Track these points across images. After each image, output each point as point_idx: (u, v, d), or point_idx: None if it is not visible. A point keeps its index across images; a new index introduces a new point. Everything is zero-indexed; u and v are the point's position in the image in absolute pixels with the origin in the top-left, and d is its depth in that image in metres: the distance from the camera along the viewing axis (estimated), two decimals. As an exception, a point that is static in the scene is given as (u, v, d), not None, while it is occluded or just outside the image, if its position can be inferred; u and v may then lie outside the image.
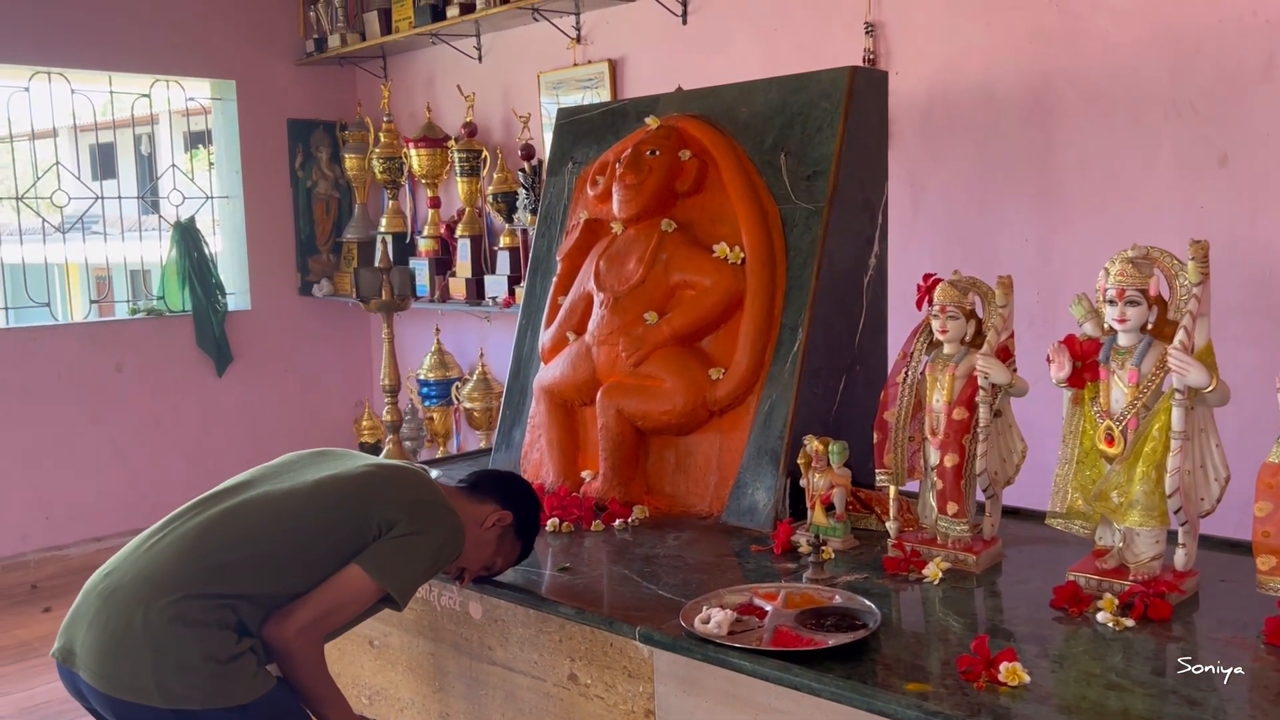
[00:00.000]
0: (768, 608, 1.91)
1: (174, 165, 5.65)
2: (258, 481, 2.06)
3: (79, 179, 5.93)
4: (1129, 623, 1.83)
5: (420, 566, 2.00)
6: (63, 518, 5.17)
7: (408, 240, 5.50)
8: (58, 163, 5.30)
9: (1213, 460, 1.91)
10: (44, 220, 5.23)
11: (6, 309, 5.27)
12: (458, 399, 5.07)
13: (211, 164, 5.82)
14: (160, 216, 5.61)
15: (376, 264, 3.17)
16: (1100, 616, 1.86)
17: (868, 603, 1.91)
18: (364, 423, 5.57)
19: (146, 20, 5.29)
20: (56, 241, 5.33)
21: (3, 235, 6.40)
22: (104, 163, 11.44)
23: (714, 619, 1.85)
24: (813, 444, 2.37)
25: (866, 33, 3.66)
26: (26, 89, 5.14)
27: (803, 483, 2.40)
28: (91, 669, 1.85)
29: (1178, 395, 1.85)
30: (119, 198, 5.68)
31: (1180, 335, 1.85)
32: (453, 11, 4.82)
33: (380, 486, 2.03)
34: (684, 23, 4.28)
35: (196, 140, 5.96)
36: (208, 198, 5.75)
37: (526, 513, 2.22)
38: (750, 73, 3.19)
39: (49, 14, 5.00)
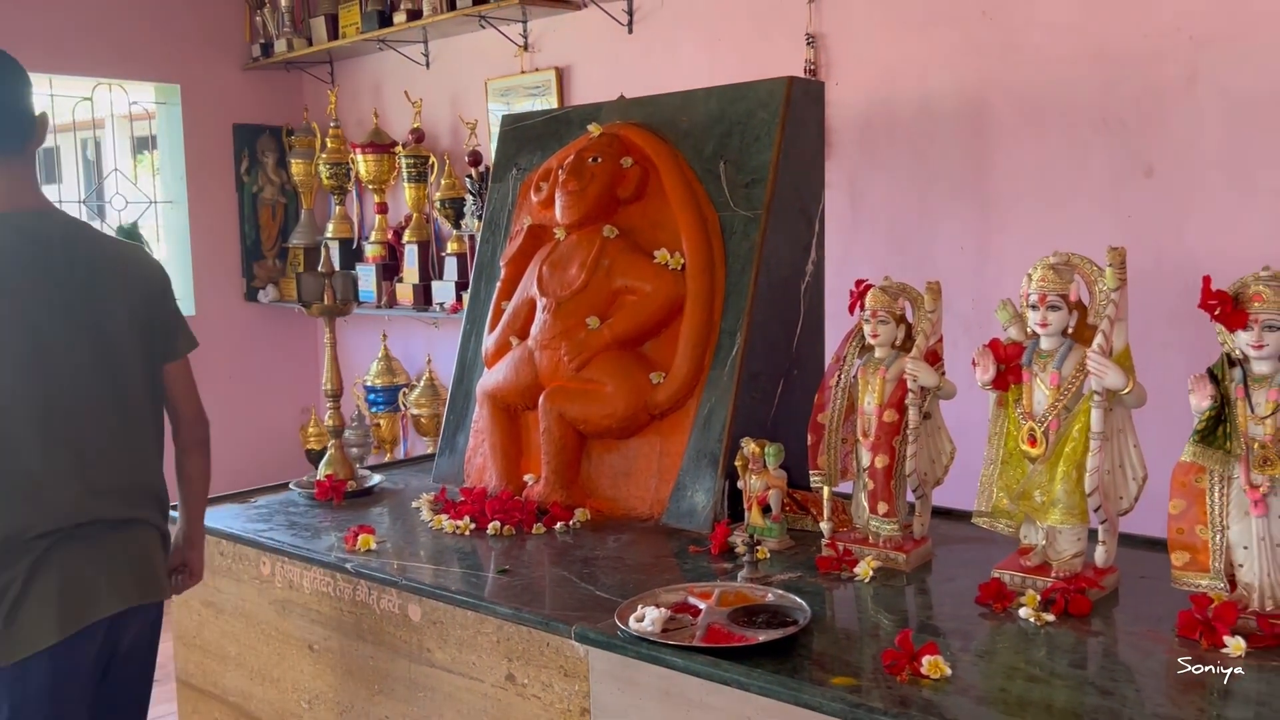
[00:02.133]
0: (702, 606, 1.95)
1: (116, 169, 5.59)
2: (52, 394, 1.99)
3: None
4: (1050, 618, 1.89)
5: (173, 303, 2.22)
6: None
7: (354, 246, 5.49)
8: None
9: (1131, 460, 1.98)
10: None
11: (-57, 314, 5.17)
12: (405, 405, 5.06)
13: (156, 170, 5.77)
14: (104, 222, 5.55)
15: (320, 269, 3.17)
16: (1023, 612, 1.91)
17: (799, 600, 1.95)
18: (310, 429, 5.54)
19: (89, 23, 5.23)
20: (-5, 246, 5.25)
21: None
22: (47, 167, 11.26)
23: (649, 617, 1.88)
24: (750, 446, 2.41)
25: (808, 44, 3.72)
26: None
27: (740, 484, 2.44)
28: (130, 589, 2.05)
29: (1096, 397, 1.92)
30: (60, 202, 5.60)
31: (1099, 339, 1.92)
32: (400, 18, 4.82)
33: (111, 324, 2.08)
34: (630, 32, 4.32)
35: (143, 145, 5.90)
36: (151, 202, 5.69)
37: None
38: (695, 82, 3.23)
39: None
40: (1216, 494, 1.81)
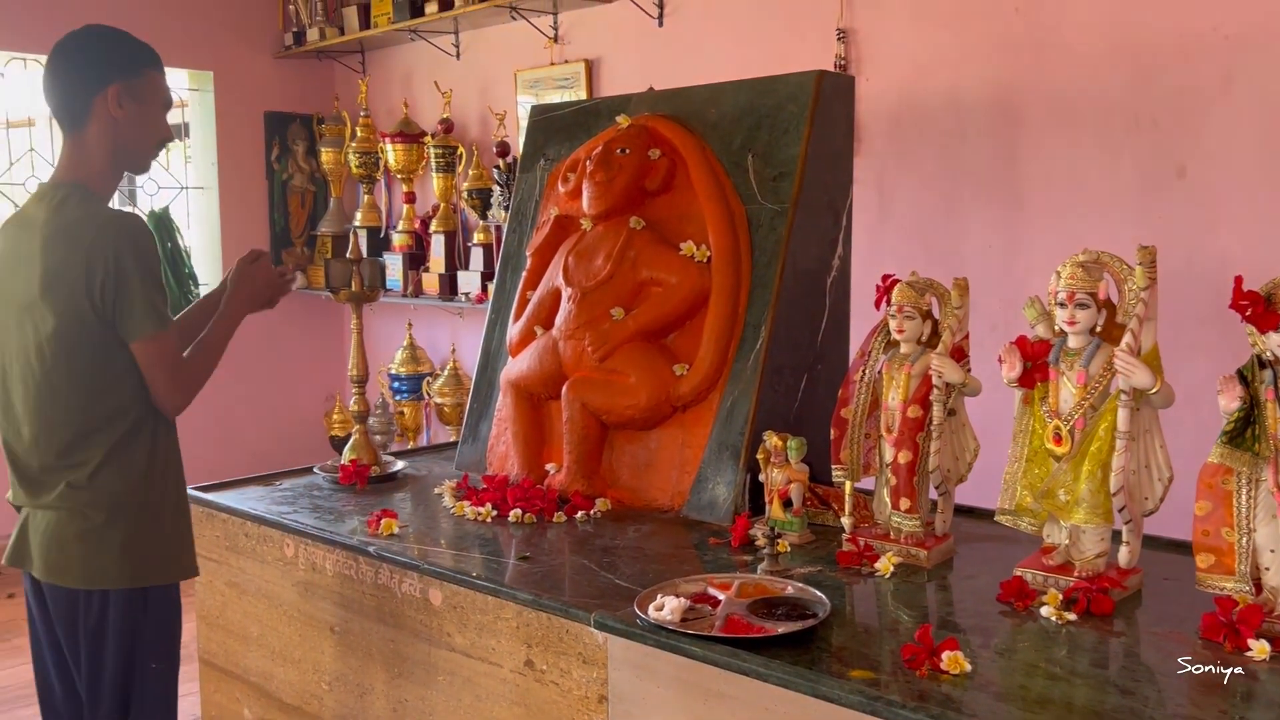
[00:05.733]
0: (721, 597, 1.95)
1: (149, 155, 5.63)
2: None
3: (53, 166, 5.92)
4: (1071, 617, 1.88)
5: (150, 286, 2.07)
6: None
7: (382, 235, 5.52)
8: (32, 149, 5.29)
9: (1157, 460, 1.96)
10: (17, 208, 5.21)
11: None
12: (428, 394, 5.09)
13: (188, 156, 5.82)
14: (134, 208, 5.60)
15: (348, 255, 3.19)
16: (1044, 611, 1.90)
17: (819, 593, 1.95)
18: (334, 416, 5.58)
19: (123, 10, 5.27)
20: (28, 228, 5.31)
21: (-26, 221, 6.35)
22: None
23: (668, 606, 1.89)
24: (772, 440, 2.41)
25: (838, 39, 3.71)
26: (1, 74, 5.13)
27: (762, 478, 2.44)
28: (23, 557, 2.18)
29: (1123, 396, 1.90)
30: (93, 186, 5.66)
31: (1127, 338, 1.90)
32: (431, 8, 4.85)
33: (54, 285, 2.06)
34: (660, 24, 4.32)
35: (175, 132, 5.95)
36: (183, 188, 5.74)
37: (124, 59, 2.24)
38: (724, 76, 3.23)
39: (17, 1, 5.01)
40: (1244, 496, 1.80)
